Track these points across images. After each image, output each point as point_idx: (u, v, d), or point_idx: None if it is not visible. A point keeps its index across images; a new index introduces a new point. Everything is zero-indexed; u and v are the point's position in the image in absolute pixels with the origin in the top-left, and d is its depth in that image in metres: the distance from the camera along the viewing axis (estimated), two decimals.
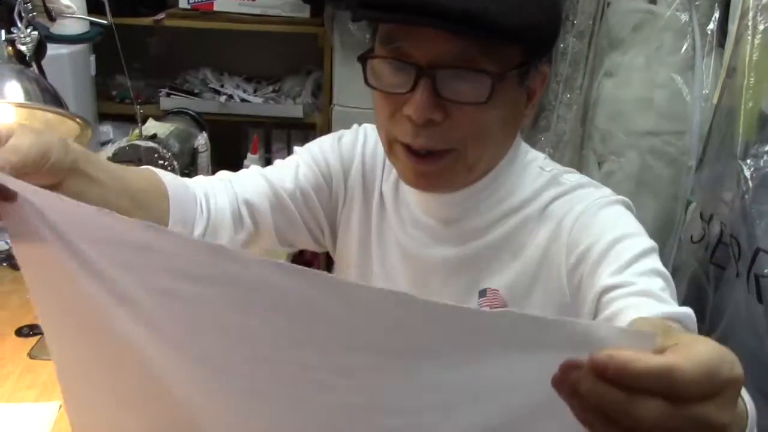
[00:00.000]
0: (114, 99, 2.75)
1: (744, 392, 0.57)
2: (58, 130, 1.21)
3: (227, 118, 2.65)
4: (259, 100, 2.74)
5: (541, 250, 0.89)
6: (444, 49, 0.78)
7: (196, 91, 2.75)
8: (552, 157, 2.25)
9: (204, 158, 1.62)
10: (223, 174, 0.99)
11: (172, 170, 1.42)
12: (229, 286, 0.53)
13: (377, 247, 1.01)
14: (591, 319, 0.80)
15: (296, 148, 1.05)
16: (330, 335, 0.53)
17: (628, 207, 0.90)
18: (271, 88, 2.81)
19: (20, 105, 1.10)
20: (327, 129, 2.60)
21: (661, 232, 2.04)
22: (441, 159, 0.84)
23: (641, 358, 0.43)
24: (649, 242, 0.83)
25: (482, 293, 0.93)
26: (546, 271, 0.89)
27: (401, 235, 0.98)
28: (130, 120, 2.53)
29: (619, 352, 0.43)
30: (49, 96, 1.10)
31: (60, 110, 1.13)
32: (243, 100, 2.73)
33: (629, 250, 0.80)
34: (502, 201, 0.92)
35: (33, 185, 0.59)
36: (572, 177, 0.94)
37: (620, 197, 0.90)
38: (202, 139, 1.62)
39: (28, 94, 1.07)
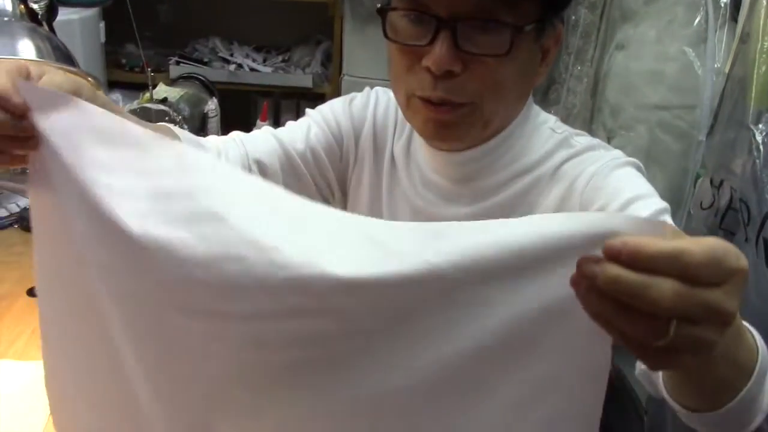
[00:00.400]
0: (123, 67, 2.75)
1: (758, 336, 0.58)
2: None
3: (237, 87, 2.64)
4: (268, 69, 2.73)
5: (552, 211, 0.90)
6: (464, 1, 0.78)
7: (205, 59, 2.75)
8: None
9: (214, 123, 1.62)
10: (236, 134, 1.00)
11: None
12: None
13: (387, 207, 1.01)
14: None
15: (308, 110, 1.05)
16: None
17: (638, 169, 0.90)
18: (280, 58, 2.80)
19: (32, 62, 1.11)
20: None
21: (670, 206, 2.03)
22: (459, 108, 0.84)
23: (653, 241, 0.45)
24: (661, 203, 0.83)
25: None
26: None
27: (412, 195, 0.98)
28: (139, 88, 2.54)
29: (633, 237, 0.46)
30: (60, 54, 1.10)
31: (72, 68, 1.13)
32: (252, 69, 2.72)
33: (643, 210, 0.81)
34: (514, 161, 0.92)
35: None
36: (583, 139, 0.94)
37: (631, 159, 0.91)
38: (212, 104, 1.62)
39: (40, 52, 1.08)
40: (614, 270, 0.45)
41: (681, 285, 0.45)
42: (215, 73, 2.65)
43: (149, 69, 1.60)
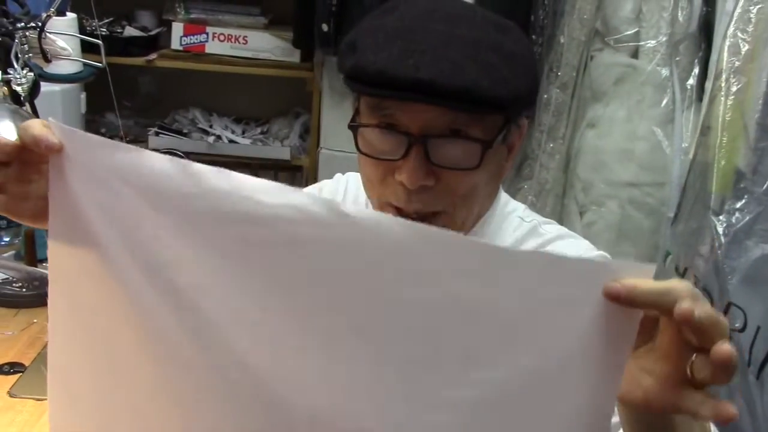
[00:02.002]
0: (104, 137, 2.76)
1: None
2: None
3: (215, 158, 2.67)
4: (247, 141, 2.76)
5: None
6: (434, 118, 0.80)
7: (185, 130, 2.78)
8: (534, 205, 2.27)
9: None
10: None
11: None
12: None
13: None
14: None
15: None
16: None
17: None
18: (259, 130, 2.83)
19: None
20: (314, 171, 2.62)
21: None
22: (432, 220, 0.85)
23: (645, 280, 0.53)
24: None
25: None
26: None
27: None
28: None
29: (627, 279, 0.53)
30: None
31: None
32: (231, 141, 2.75)
33: None
34: None
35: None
36: (552, 228, 0.97)
37: (599, 252, 0.93)
38: None
39: None
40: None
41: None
42: (194, 144, 2.67)
43: (127, 141, 1.61)
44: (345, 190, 1.05)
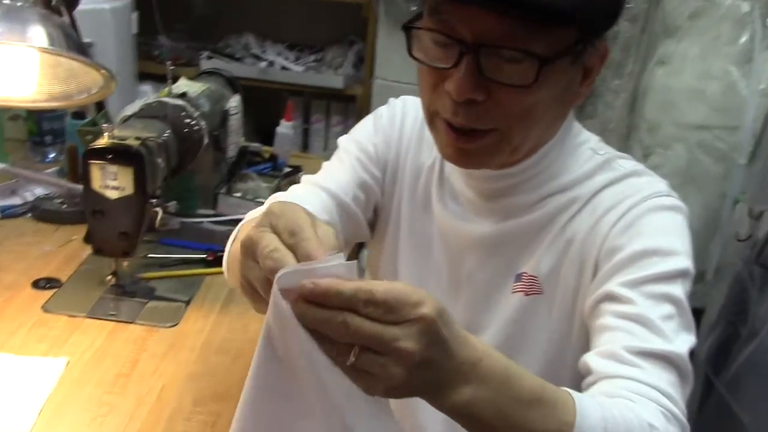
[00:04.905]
0: (156, 59, 2.74)
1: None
2: (81, 79, 1.18)
3: (267, 84, 2.62)
4: (299, 68, 2.71)
5: (582, 237, 0.86)
6: (491, 26, 0.74)
7: (237, 56, 2.73)
8: None
9: (235, 121, 1.58)
10: (285, 196, 0.96)
11: (199, 130, 1.38)
12: None
13: (407, 221, 1.00)
14: (587, 315, 0.82)
15: (342, 143, 1.03)
16: None
17: (682, 214, 0.85)
18: (312, 57, 2.77)
19: (46, 50, 1.08)
20: (367, 101, 2.56)
21: (705, 231, 1.97)
22: (482, 138, 0.81)
23: (341, 281, 0.53)
24: (681, 264, 0.79)
25: (518, 277, 0.91)
26: (585, 259, 0.85)
27: (439, 208, 0.96)
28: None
29: (323, 279, 0.53)
30: (72, 43, 1.07)
31: (86, 59, 1.10)
32: (284, 67, 2.70)
33: (655, 267, 0.78)
34: (548, 181, 0.88)
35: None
36: (627, 163, 0.90)
37: (677, 203, 0.85)
38: (234, 102, 1.58)
39: (51, 39, 1.04)
40: (300, 308, 0.53)
41: (353, 319, 0.52)
42: (246, 69, 2.63)
43: (177, 64, 1.57)
44: (403, 116, 1.01)
